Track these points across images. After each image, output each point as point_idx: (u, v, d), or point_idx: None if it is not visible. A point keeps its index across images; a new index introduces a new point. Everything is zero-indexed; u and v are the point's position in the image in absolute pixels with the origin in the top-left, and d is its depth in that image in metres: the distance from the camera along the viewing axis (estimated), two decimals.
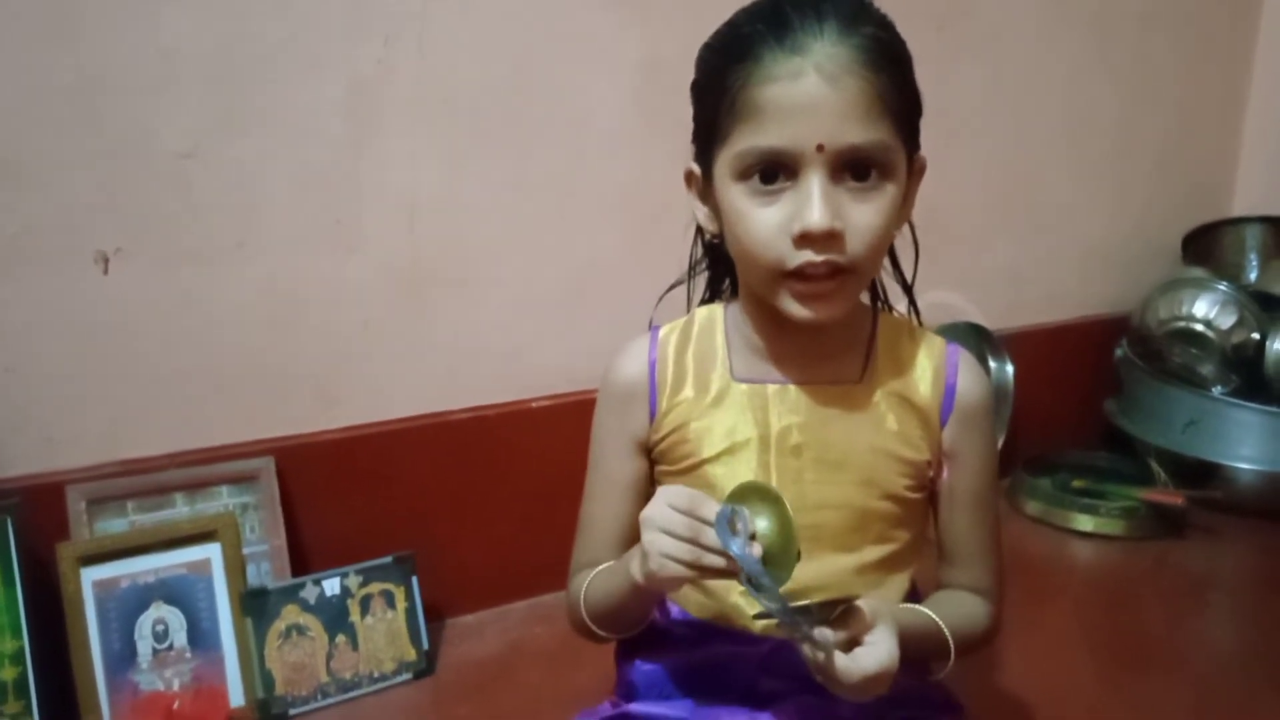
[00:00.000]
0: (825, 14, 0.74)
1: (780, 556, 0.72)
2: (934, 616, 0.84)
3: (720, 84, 0.77)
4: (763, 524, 0.72)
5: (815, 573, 0.82)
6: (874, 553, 0.86)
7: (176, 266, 1.19)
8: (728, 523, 0.70)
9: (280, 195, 1.23)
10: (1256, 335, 1.87)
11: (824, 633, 0.69)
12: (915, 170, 0.83)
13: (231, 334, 1.24)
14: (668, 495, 0.73)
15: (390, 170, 1.29)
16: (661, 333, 0.91)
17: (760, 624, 0.83)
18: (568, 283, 1.45)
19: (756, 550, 0.71)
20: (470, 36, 1.30)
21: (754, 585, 0.69)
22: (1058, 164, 1.94)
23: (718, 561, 0.70)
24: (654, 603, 0.88)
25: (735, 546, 0.69)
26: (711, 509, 0.71)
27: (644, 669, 0.90)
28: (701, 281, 0.99)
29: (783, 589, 0.70)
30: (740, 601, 0.85)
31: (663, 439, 0.88)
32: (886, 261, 0.93)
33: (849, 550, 0.85)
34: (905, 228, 0.88)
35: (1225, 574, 1.66)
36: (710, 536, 0.70)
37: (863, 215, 0.76)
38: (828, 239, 0.74)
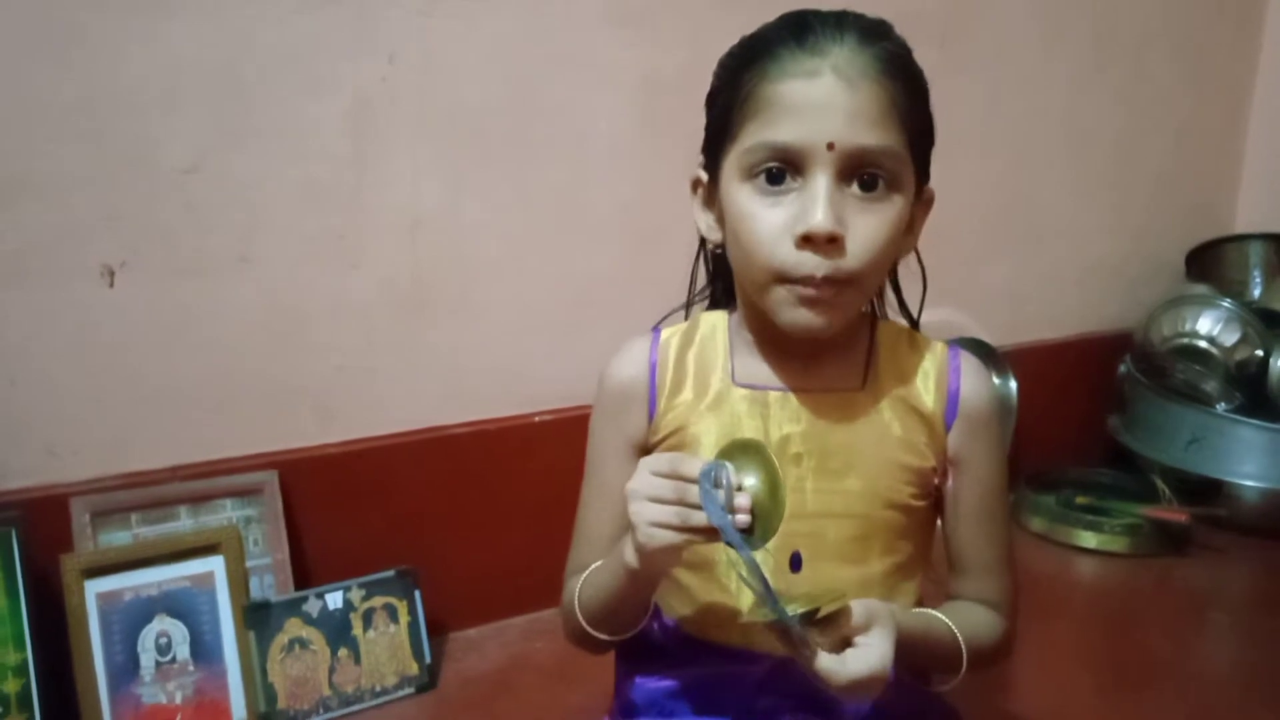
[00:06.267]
0: (846, 24, 0.76)
1: (768, 509, 0.70)
2: (947, 621, 0.82)
3: (735, 84, 0.78)
4: (750, 480, 0.71)
5: (818, 584, 0.81)
6: (879, 564, 0.84)
7: (179, 280, 1.20)
8: (711, 480, 0.69)
9: (283, 211, 1.24)
10: (1260, 352, 1.87)
11: (803, 629, 0.68)
12: (923, 201, 0.83)
13: (235, 347, 1.25)
14: (649, 463, 0.73)
15: (393, 186, 1.30)
16: (663, 335, 0.90)
17: (750, 619, 0.78)
18: (569, 298, 1.45)
19: (744, 501, 0.70)
20: (473, 55, 1.31)
21: (734, 545, 0.68)
22: (1059, 180, 1.95)
23: (705, 519, 0.69)
24: (650, 593, 0.85)
25: (713, 508, 0.68)
26: (694, 467, 0.70)
27: (643, 686, 0.89)
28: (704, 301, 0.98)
29: (770, 544, 0.70)
30: (726, 600, 0.85)
31: (661, 441, 0.87)
32: (890, 293, 0.93)
33: (853, 561, 0.84)
34: (911, 258, 0.88)
35: (1229, 592, 1.66)
36: (695, 495, 0.69)
37: (866, 225, 0.75)
38: (829, 243, 0.74)
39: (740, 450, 0.73)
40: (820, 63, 0.74)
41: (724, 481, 0.70)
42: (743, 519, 0.69)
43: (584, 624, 0.86)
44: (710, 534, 0.70)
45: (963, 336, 1.82)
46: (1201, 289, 2.03)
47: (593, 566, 0.87)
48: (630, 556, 0.74)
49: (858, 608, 0.71)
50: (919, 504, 0.86)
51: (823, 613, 0.68)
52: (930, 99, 0.80)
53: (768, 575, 0.69)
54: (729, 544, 0.69)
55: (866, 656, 0.69)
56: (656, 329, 0.92)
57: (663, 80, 1.43)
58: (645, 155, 1.44)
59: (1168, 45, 2.01)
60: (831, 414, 0.84)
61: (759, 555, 0.70)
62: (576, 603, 0.87)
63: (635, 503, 0.72)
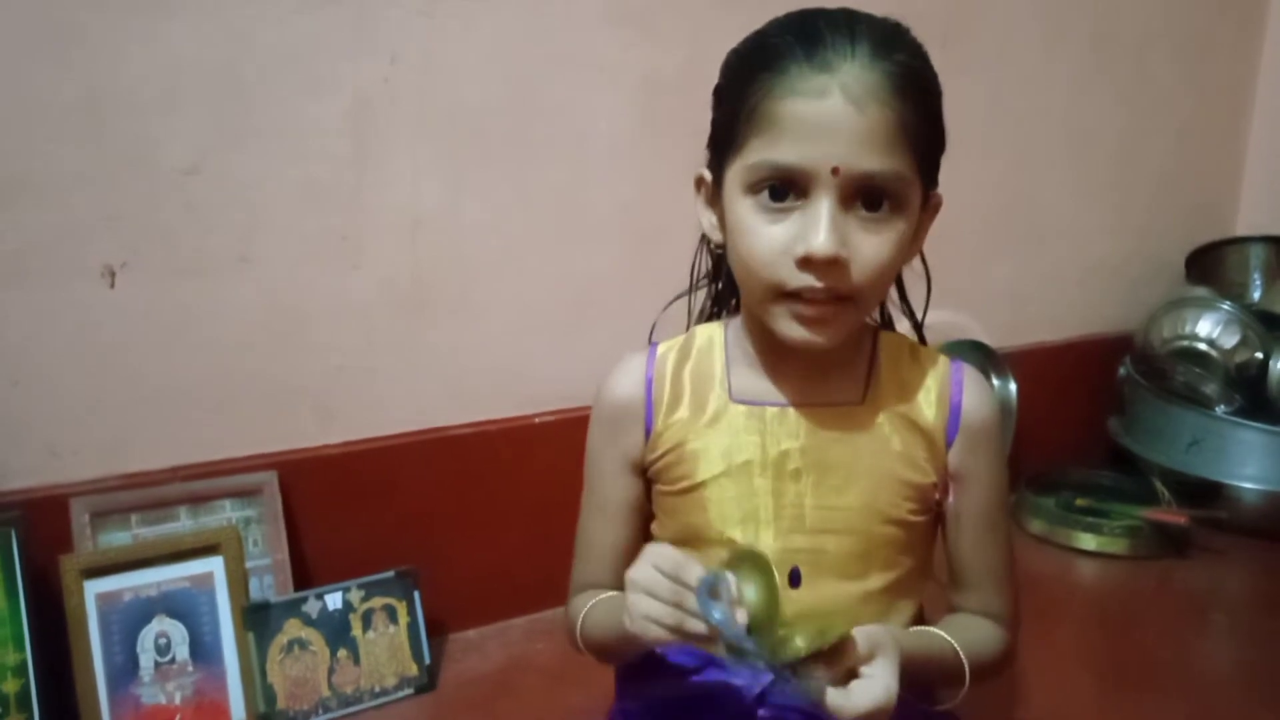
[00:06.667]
0: (858, 35, 0.72)
1: (764, 626, 0.68)
2: (948, 638, 0.81)
3: (741, 92, 0.76)
4: (750, 592, 0.69)
5: (818, 600, 0.81)
6: (879, 580, 0.84)
7: (179, 280, 1.20)
8: (709, 590, 0.67)
9: (283, 211, 1.24)
10: (1260, 355, 1.87)
11: (815, 684, 0.67)
12: (930, 207, 0.82)
13: (235, 348, 1.25)
14: (654, 556, 0.71)
15: (393, 186, 1.30)
16: (660, 350, 0.90)
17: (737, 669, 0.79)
18: (570, 298, 1.45)
19: (741, 617, 0.67)
20: (473, 55, 1.31)
21: (735, 653, 0.67)
22: (1060, 181, 1.95)
23: (699, 627, 0.67)
24: (647, 648, 0.84)
25: (716, 614, 0.66)
26: (696, 573, 0.68)
27: (642, 695, 0.90)
28: (705, 296, 0.98)
29: (767, 659, 0.67)
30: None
31: (658, 459, 0.87)
32: (894, 293, 0.92)
33: (853, 577, 0.83)
34: (915, 260, 0.87)
35: (1228, 594, 1.66)
36: (693, 601, 0.67)
37: (869, 246, 0.74)
38: (830, 266, 0.73)
39: (744, 560, 0.71)
40: (829, 80, 0.71)
41: (723, 595, 0.68)
42: (739, 634, 0.67)
43: (586, 650, 0.89)
44: (701, 639, 0.68)
45: (963, 339, 1.82)
46: (1202, 291, 2.03)
47: (600, 598, 0.87)
48: (628, 624, 0.72)
49: (860, 636, 0.69)
50: (918, 519, 0.85)
51: (814, 648, 0.67)
52: (943, 106, 0.78)
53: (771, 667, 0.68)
54: (729, 652, 0.67)
55: (871, 688, 0.68)
56: (654, 344, 0.91)
57: (663, 80, 1.43)
58: (645, 155, 1.44)
59: (1169, 46, 2.01)
60: (831, 429, 0.83)
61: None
62: (580, 631, 0.89)
63: (633, 593, 0.70)
